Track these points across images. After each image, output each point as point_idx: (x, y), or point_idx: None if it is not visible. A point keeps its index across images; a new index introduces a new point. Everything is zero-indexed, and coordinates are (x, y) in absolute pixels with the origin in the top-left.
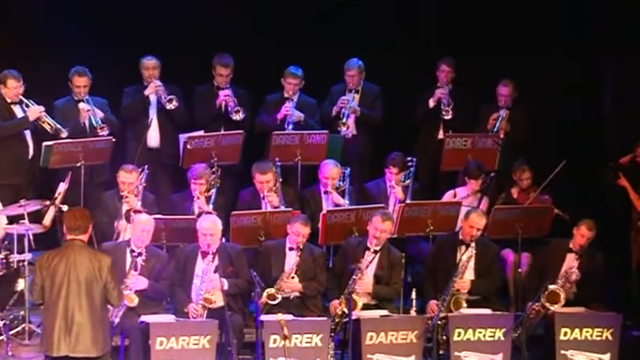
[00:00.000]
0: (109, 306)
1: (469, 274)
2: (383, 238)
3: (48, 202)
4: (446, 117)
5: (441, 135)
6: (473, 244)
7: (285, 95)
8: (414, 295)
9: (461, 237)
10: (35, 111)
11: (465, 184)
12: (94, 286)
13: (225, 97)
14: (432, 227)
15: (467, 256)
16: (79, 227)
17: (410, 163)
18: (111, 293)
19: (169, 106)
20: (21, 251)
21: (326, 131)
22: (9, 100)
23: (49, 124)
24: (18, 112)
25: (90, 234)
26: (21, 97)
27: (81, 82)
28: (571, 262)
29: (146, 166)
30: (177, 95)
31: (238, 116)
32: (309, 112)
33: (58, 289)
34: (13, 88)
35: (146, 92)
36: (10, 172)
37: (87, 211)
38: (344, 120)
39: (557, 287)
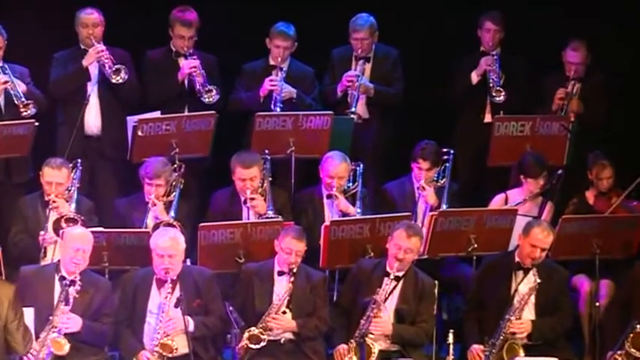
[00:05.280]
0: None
1: (528, 312)
2: (408, 259)
3: None
4: (497, 99)
5: (488, 118)
6: (534, 270)
7: (272, 63)
8: (451, 338)
9: (517, 259)
10: None
11: (520, 185)
12: None
13: (192, 69)
14: (476, 245)
15: (527, 287)
16: None
17: (446, 157)
18: (14, 336)
19: (116, 79)
20: None
21: (330, 112)
22: None
23: None
24: None
25: None
26: None
27: None
28: None
29: (79, 161)
30: (128, 65)
31: (210, 97)
32: (305, 86)
33: None
34: None
35: (85, 62)
36: None
37: None
38: (353, 107)
39: None
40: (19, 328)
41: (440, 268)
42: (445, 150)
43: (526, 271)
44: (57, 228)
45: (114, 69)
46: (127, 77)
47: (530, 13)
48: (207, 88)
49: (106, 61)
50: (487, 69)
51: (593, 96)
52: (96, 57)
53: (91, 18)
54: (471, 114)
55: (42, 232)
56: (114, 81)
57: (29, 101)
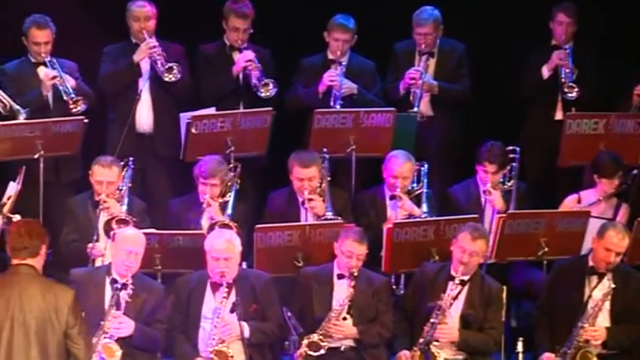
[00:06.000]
0: None
1: (603, 319)
2: (473, 263)
3: None
4: (569, 95)
5: (559, 115)
6: (609, 275)
7: (331, 57)
8: (520, 346)
9: (591, 263)
10: None
11: (593, 185)
12: (48, 334)
13: (247, 62)
14: (546, 249)
15: (601, 293)
16: (27, 247)
17: (512, 155)
18: (75, 342)
19: (168, 78)
20: None
21: (393, 109)
22: None
23: (2, 102)
24: None
25: (44, 257)
26: None
27: (41, 38)
28: None
29: (131, 159)
30: (181, 60)
31: (267, 91)
32: (365, 81)
33: None
34: None
35: (136, 57)
36: None
37: (39, 224)
38: (416, 107)
39: None
40: (80, 333)
41: (509, 273)
42: (511, 148)
43: (600, 276)
44: (108, 229)
45: (166, 67)
46: (179, 76)
47: (606, 4)
48: (263, 82)
49: (158, 57)
50: (559, 63)
51: None
52: (148, 53)
53: (143, 11)
54: (541, 111)
55: (90, 245)
56: (166, 79)
57: (79, 97)
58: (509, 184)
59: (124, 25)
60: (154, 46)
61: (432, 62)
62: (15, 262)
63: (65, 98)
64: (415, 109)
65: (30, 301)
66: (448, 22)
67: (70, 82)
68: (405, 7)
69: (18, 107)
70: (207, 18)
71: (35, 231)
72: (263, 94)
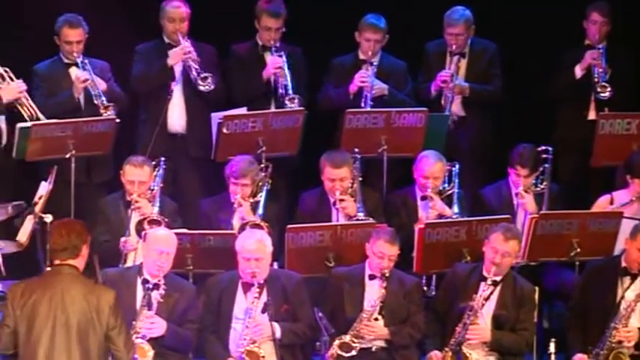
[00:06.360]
0: None
1: (635, 320)
2: (505, 264)
3: (25, 210)
4: (602, 95)
5: (592, 115)
6: None
7: (362, 57)
8: (552, 347)
9: (624, 264)
10: (13, 89)
11: (626, 186)
12: (89, 334)
13: (276, 70)
14: (579, 249)
15: (634, 294)
16: (68, 248)
17: (545, 155)
18: (115, 343)
19: (203, 87)
20: None
21: (424, 109)
22: None
23: (30, 110)
24: None
25: (86, 257)
26: None
27: (73, 37)
28: None
29: (163, 159)
30: (213, 61)
31: (292, 104)
32: (397, 81)
33: (38, 336)
34: None
35: (170, 61)
36: None
37: (80, 224)
38: (447, 111)
39: None
40: (121, 334)
41: (541, 273)
42: (543, 149)
43: (633, 277)
44: (140, 229)
45: (202, 76)
46: (213, 87)
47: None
48: (290, 96)
49: (193, 63)
50: (592, 63)
51: None
52: (182, 58)
53: (178, 12)
54: (574, 111)
55: (122, 239)
56: (200, 88)
57: (109, 104)
58: (542, 186)
59: (157, 24)
60: (189, 51)
61: (464, 63)
62: (56, 262)
63: (96, 102)
64: (447, 113)
65: (73, 301)
66: (480, 21)
67: (102, 86)
68: (436, 7)
69: (44, 118)
70: (239, 17)
71: (75, 231)
72: (287, 106)
